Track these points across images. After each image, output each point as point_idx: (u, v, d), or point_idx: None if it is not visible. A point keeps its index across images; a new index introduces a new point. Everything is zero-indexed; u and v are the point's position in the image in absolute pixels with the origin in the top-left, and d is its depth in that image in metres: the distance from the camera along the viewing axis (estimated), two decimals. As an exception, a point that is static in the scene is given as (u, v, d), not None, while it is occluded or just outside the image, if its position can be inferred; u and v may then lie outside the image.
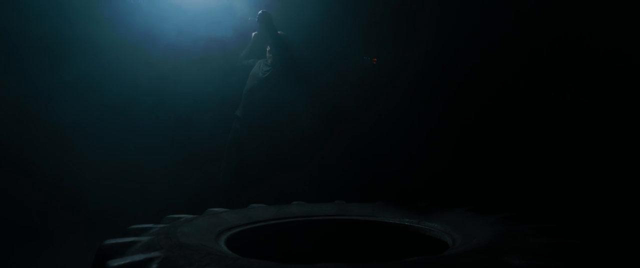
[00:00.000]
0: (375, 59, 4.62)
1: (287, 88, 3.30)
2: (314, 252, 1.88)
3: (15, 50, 3.63)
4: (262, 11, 3.15)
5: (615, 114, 4.09)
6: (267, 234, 1.76)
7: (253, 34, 3.49)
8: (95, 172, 3.84)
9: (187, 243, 1.18)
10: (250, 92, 3.30)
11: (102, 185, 3.82)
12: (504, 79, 4.46)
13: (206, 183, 3.93)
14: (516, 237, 1.20)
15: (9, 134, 3.63)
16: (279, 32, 3.20)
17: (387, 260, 1.06)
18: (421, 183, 4.25)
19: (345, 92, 4.33)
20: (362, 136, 4.43)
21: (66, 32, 3.64)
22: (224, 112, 3.82)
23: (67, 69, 3.74)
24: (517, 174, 4.31)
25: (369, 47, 4.47)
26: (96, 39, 3.73)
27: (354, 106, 4.40)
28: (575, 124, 4.16)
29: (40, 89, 3.72)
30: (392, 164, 4.34)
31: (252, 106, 3.29)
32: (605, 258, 2.68)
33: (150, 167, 3.96)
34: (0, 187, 3.54)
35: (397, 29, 4.42)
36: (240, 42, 3.76)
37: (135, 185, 3.93)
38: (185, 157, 4.09)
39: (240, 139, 3.31)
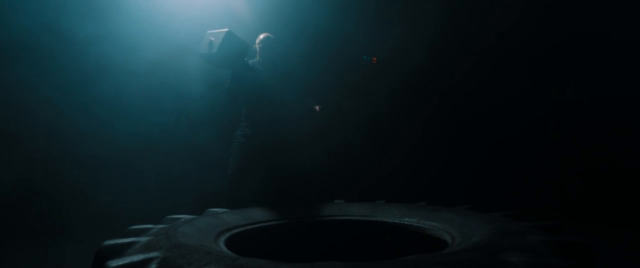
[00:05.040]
0: (375, 59, 4.61)
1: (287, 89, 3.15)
2: (313, 252, 1.87)
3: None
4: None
5: (616, 111, 4.09)
6: (266, 234, 1.75)
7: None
8: (95, 173, 3.84)
9: (187, 243, 1.18)
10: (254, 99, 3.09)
11: (102, 186, 3.82)
12: (505, 77, 4.45)
13: (206, 183, 3.92)
14: (515, 234, 1.20)
15: (10, 135, 3.63)
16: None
17: (387, 259, 1.06)
18: (420, 182, 4.24)
19: (345, 90, 4.31)
20: (361, 135, 4.42)
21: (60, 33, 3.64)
22: (221, 113, 3.81)
23: (66, 70, 3.74)
24: (516, 172, 4.31)
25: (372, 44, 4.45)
26: (93, 40, 3.73)
27: (353, 103, 4.38)
28: (574, 122, 4.16)
29: (40, 89, 3.73)
30: (391, 163, 4.33)
31: (258, 118, 3.07)
32: (605, 255, 2.68)
33: (150, 168, 3.97)
34: (0, 188, 3.54)
35: (398, 25, 4.42)
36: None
37: (136, 185, 3.93)
38: (186, 157, 4.09)
39: (246, 148, 3.08)
